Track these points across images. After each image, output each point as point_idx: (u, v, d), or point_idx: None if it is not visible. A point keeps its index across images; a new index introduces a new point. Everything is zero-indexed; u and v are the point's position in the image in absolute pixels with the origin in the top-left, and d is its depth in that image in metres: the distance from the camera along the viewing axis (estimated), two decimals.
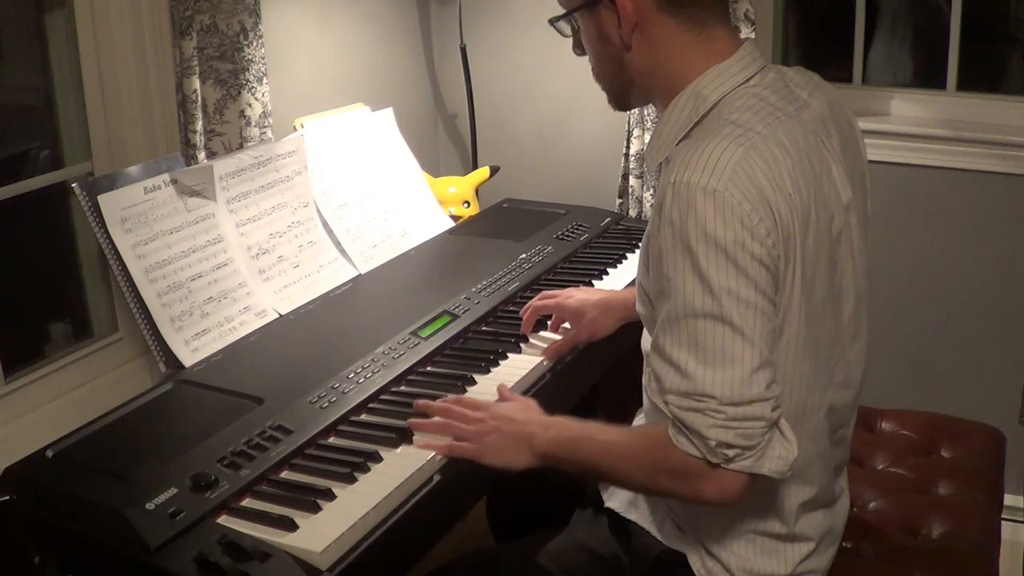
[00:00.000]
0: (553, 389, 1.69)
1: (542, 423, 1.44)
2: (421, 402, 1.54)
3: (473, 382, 1.65)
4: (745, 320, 1.19)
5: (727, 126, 1.26)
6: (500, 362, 1.72)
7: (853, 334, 1.39)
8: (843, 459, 1.48)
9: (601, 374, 1.90)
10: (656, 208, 1.25)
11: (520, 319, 1.82)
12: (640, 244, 1.42)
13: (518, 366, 1.71)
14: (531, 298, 1.97)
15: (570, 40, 1.45)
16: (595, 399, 2.13)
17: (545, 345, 1.77)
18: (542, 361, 1.73)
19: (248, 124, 1.99)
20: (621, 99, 1.45)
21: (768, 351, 1.22)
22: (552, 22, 1.45)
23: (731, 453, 1.21)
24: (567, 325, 1.81)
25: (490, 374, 1.69)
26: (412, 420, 1.51)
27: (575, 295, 1.80)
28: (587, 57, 1.44)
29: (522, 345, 1.78)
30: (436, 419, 1.50)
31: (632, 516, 1.48)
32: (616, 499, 1.52)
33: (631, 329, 1.63)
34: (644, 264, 1.36)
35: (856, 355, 1.41)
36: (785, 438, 1.23)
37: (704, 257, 1.19)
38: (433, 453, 1.45)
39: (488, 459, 1.44)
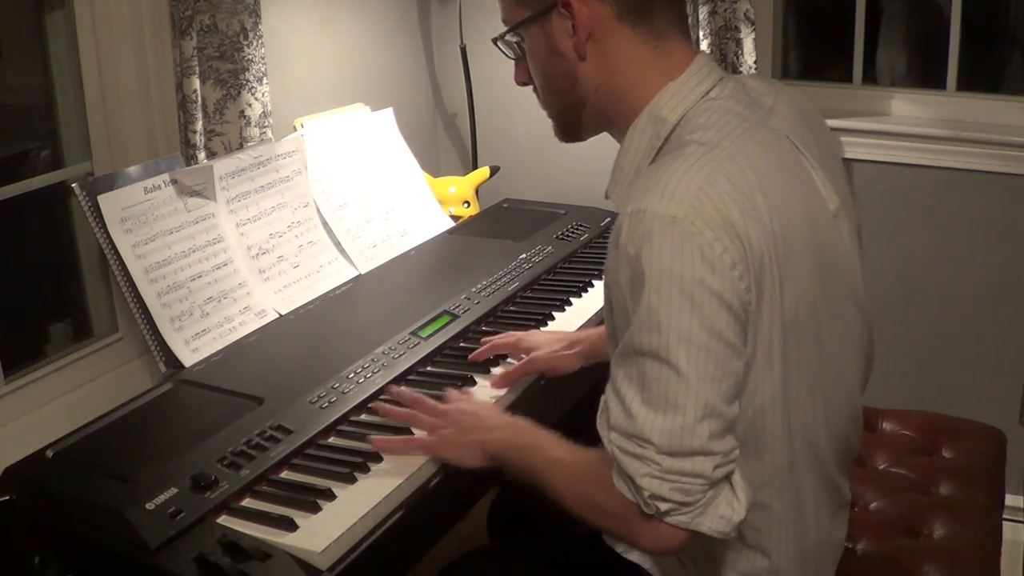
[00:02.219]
0: (550, 390, 1.69)
1: (500, 422, 1.40)
2: (395, 388, 1.55)
3: (473, 382, 1.65)
4: (693, 366, 1.10)
5: (689, 146, 1.18)
6: (500, 362, 1.72)
7: (856, 346, 1.32)
8: (842, 497, 1.39)
9: (598, 378, 1.89)
10: (613, 241, 1.16)
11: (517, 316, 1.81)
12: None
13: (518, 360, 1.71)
14: (531, 298, 1.98)
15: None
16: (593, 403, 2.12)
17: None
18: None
19: (248, 124, 1.99)
20: (571, 124, 1.34)
21: (722, 402, 1.12)
22: (496, 41, 1.35)
23: (664, 507, 1.13)
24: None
25: (490, 374, 1.68)
26: (378, 404, 1.52)
27: (537, 335, 1.72)
28: (532, 87, 1.34)
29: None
30: (404, 409, 1.50)
31: (632, 557, 1.40)
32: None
33: None
34: (607, 303, 1.24)
35: (854, 366, 1.33)
36: (736, 497, 1.15)
37: (657, 293, 1.10)
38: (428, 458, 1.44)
39: (443, 452, 1.42)
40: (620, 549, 1.41)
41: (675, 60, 1.25)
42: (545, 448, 1.31)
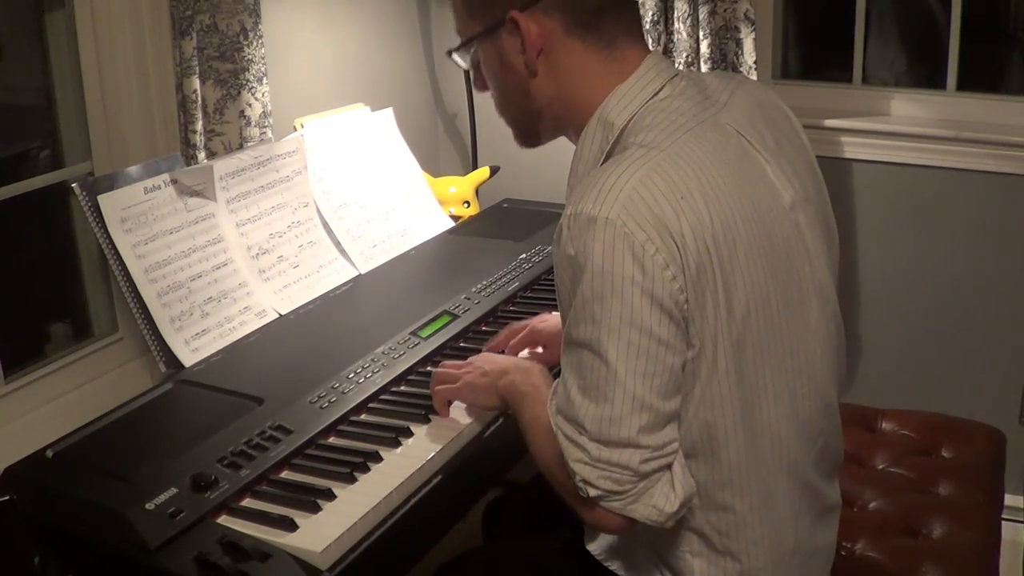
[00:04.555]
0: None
1: (518, 366, 1.42)
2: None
3: None
4: (621, 360, 1.13)
5: (630, 148, 1.19)
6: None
7: (825, 340, 1.30)
8: (826, 502, 1.38)
9: None
10: (555, 242, 1.19)
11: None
12: None
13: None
14: (531, 298, 1.98)
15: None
16: None
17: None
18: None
19: (248, 124, 1.99)
20: (529, 133, 1.36)
21: (654, 396, 1.14)
22: (450, 54, 1.36)
23: (593, 493, 1.17)
24: (539, 349, 1.71)
25: None
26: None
27: (549, 319, 1.70)
28: (490, 92, 1.35)
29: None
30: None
31: (613, 567, 1.40)
32: (597, 543, 1.43)
33: None
34: (559, 303, 1.26)
35: (824, 361, 1.31)
36: (673, 489, 1.18)
37: (590, 289, 1.13)
38: (432, 454, 1.45)
39: (463, 396, 1.49)
40: (600, 556, 1.41)
41: (627, 65, 1.26)
42: (535, 403, 1.32)
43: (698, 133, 1.21)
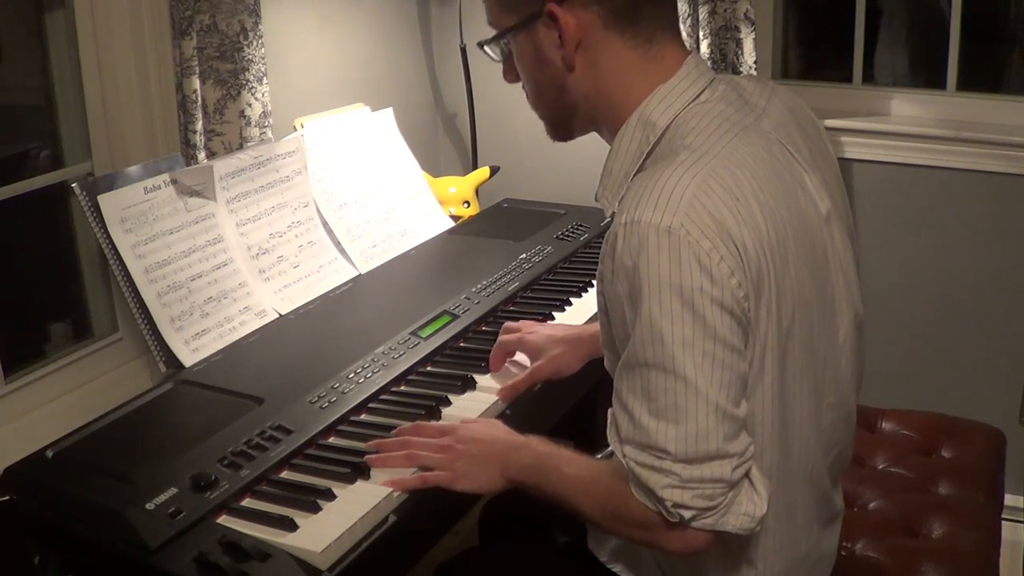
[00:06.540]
0: (548, 391, 1.68)
1: (512, 444, 1.36)
2: (375, 442, 1.44)
3: (473, 382, 1.65)
4: (700, 373, 1.10)
5: (681, 152, 1.16)
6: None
7: (851, 351, 1.31)
8: (834, 509, 1.39)
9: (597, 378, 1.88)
10: (608, 251, 1.15)
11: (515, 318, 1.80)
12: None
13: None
14: (531, 298, 1.98)
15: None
16: (597, 394, 2.11)
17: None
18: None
19: (248, 124, 1.99)
20: (562, 128, 1.34)
21: (731, 404, 1.11)
22: (481, 46, 1.34)
23: (688, 515, 1.13)
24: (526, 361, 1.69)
25: (489, 374, 1.69)
26: (369, 457, 1.41)
27: (540, 330, 1.67)
28: (521, 84, 1.32)
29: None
30: (398, 453, 1.40)
31: (616, 568, 1.40)
32: (601, 546, 1.43)
33: None
34: (603, 313, 1.23)
35: (849, 371, 1.32)
36: (756, 491, 1.15)
37: (657, 304, 1.09)
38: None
39: (461, 485, 1.36)
40: (604, 558, 1.41)
41: (666, 63, 1.24)
42: (560, 466, 1.29)
43: (744, 139, 1.20)
